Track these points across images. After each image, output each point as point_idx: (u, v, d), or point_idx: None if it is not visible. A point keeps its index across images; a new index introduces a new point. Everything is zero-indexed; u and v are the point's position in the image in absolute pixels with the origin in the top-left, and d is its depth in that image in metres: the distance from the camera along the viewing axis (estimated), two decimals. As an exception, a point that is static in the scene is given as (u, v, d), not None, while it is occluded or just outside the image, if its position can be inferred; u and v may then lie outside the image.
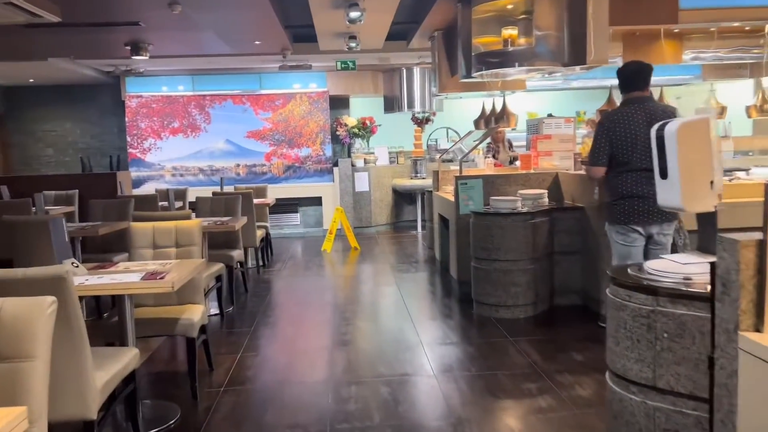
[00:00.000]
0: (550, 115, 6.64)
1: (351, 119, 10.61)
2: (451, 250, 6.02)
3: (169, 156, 10.45)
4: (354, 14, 5.98)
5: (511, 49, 5.03)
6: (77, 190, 8.01)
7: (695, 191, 2.02)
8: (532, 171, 5.81)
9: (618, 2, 4.86)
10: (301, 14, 6.79)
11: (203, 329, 3.75)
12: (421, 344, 4.40)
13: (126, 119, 10.37)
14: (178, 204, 7.39)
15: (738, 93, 9.28)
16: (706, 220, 2.12)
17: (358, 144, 10.70)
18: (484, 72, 5.39)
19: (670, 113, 3.58)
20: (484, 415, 3.28)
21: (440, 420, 3.21)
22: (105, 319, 4.77)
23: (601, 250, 4.69)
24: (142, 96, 10.36)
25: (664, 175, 2.09)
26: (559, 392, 3.46)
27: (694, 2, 5.15)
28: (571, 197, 5.40)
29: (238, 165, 10.54)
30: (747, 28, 6.00)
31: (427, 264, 7.36)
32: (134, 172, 10.27)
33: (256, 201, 6.92)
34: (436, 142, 10.50)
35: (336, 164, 10.48)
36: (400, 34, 8.05)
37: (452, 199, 5.75)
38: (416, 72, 10.07)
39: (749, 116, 8.12)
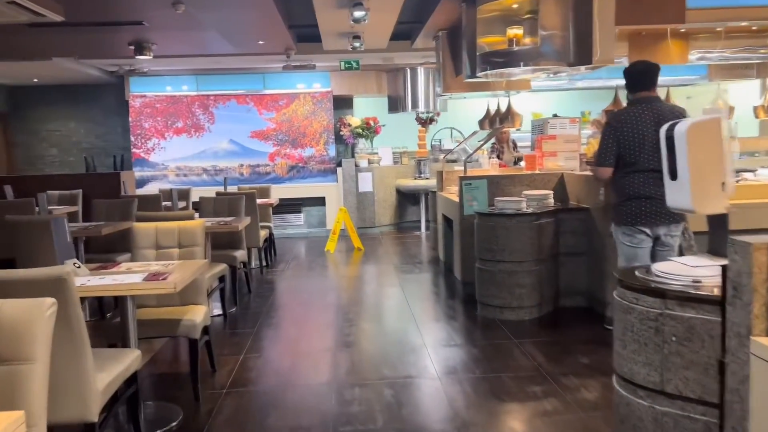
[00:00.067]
0: (555, 116, 6.60)
1: (355, 119, 10.59)
2: (455, 251, 5.99)
3: (173, 156, 10.45)
4: (358, 14, 5.96)
5: (516, 48, 4.99)
6: (81, 190, 8.01)
7: (706, 193, 1.98)
8: (537, 171, 5.77)
9: (624, 1, 4.82)
10: (304, 14, 6.77)
11: (206, 330, 3.73)
12: (424, 346, 4.37)
13: (130, 119, 10.37)
14: (182, 204, 7.37)
15: (746, 93, 9.22)
16: (717, 222, 2.08)
17: (362, 144, 10.68)
18: (488, 72, 5.35)
19: (678, 113, 3.54)
20: (488, 418, 3.24)
21: (444, 423, 3.18)
22: (107, 319, 4.75)
23: (606, 252, 4.65)
24: (146, 96, 10.36)
25: (673, 176, 2.06)
26: (565, 395, 3.42)
27: (701, 2, 5.11)
28: (577, 198, 5.36)
29: (242, 165, 10.53)
30: (754, 28, 5.95)
31: (430, 265, 7.32)
32: (138, 172, 10.27)
33: (259, 201, 6.90)
34: (440, 142, 10.47)
35: (339, 164, 10.46)
36: (404, 33, 8.02)
37: (456, 199, 5.72)
38: (420, 72, 10.05)
39: (757, 117, 8.06)
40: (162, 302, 3.68)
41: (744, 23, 5.66)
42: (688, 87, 9.21)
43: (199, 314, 3.56)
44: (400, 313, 5.38)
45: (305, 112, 10.50)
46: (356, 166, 10.26)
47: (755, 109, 8.08)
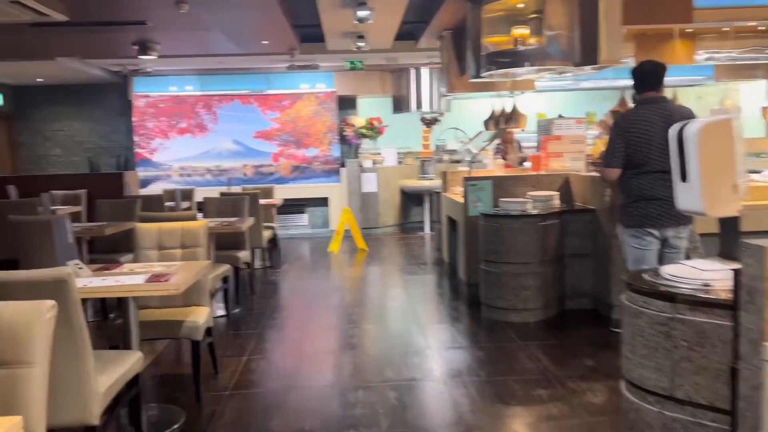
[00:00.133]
0: (560, 116, 6.56)
1: (359, 119, 10.55)
2: (460, 252, 5.95)
3: (177, 156, 10.44)
4: (362, 14, 5.93)
5: (521, 48, 4.95)
6: (85, 190, 8.00)
7: (718, 195, 1.94)
8: (542, 172, 5.73)
9: (631, 1, 4.77)
10: (308, 14, 6.74)
11: (209, 331, 3.70)
12: (429, 348, 4.34)
13: (133, 119, 10.36)
14: (185, 204, 7.35)
15: (753, 94, 9.15)
16: (728, 224, 2.04)
17: (366, 144, 10.64)
18: (493, 72, 5.31)
19: (687, 114, 3.49)
20: (493, 422, 3.21)
21: (449, 427, 3.14)
22: (110, 320, 4.73)
23: (612, 253, 4.61)
24: (149, 96, 10.34)
25: (684, 177, 2.01)
26: (571, 399, 3.38)
27: (709, 1, 5.06)
28: (582, 199, 5.32)
29: (246, 165, 10.51)
30: (761, 28, 5.90)
31: (435, 266, 7.29)
32: (142, 172, 10.26)
33: (263, 201, 6.88)
34: (445, 142, 10.42)
35: (343, 165, 10.43)
36: (408, 33, 7.98)
37: (461, 200, 5.68)
38: (425, 72, 10.00)
39: (765, 117, 7.99)
40: (164, 303, 3.65)
41: (751, 23, 5.60)
42: (698, 87, 9.15)
43: (202, 316, 3.53)
44: (404, 314, 5.35)
45: (309, 113, 10.47)
46: (360, 166, 10.23)
47: (763, 110, 8.01)
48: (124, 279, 2.96)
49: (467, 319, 5.09)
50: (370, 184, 10.19)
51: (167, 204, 6.94)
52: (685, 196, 2.06)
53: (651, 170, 3.50)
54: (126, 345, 3.01)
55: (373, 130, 10.44)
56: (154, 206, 6.47)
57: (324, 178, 10.55)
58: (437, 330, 4.84)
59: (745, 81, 8.66)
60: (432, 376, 3.82)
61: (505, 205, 5.10)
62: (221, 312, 5.23)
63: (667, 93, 3.84)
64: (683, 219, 3.48)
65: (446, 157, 8.85)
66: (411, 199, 10.52)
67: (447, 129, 10.42)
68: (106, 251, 5.69)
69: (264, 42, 7.69)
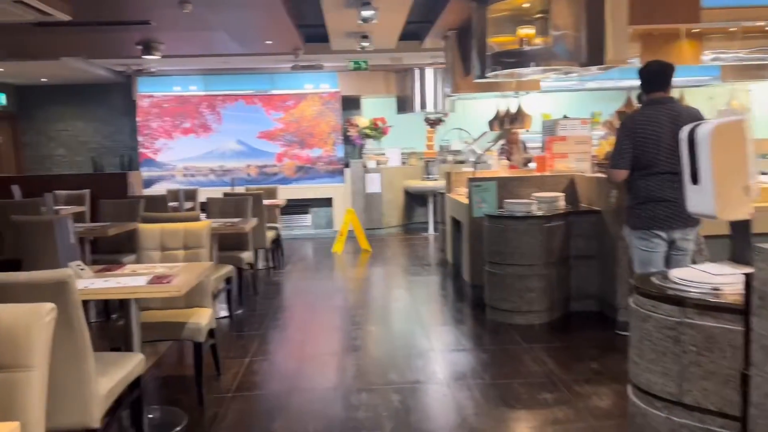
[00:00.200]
0: (565, 117, 6.51)
1: (363, 120, 10.53)
2: (464, 254, 5.92)
3: (181, 156, 10.43)
4: (367, 13, 5.90)
5: (527, 48, 4.92)
6: (88, 190, 7.99)
7: (729, 197, 1.90)
8: (547, 173, 5.69)
9: (638, 1, 4.73)
10: (313, 13, 6.72)
11: (211, 333, 3.68)
12: (433, 350, 4.30)
13: (137, 119, 10.36)
14: (189, 204, 7.34)
15: (760, 94, 9.08)
16: (739, 228, 2.00)
17: (370, 145, 10.61)
18: (498, 72, 5.28)
19: (695, 115, 3.46)
20: (498, 425, 3.18)
21: (453, 431, 3.11)
22: (112, 321, 4.72)
23: (618, 255, 4.57)
24: (153, 96, 10.34)
25: (695, 180, 1.98)
26: (576, 403, 3.35)
27: (717, 1, 5.01)
28: (588, 200, 5.28)
29: (249, 165, 10.50)
30: (768, 29, 5.84)
31: (439, 267, 7.25)
32: (145, 172, 10.26)
33: (266, 202, 6.85)
34: (449, 143, 10.38)
35: (347, 165, 10.40)
36: (413, 33, 7.96)
37: (465, 201, 5.65)
38: (429, 72, 9.97)
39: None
40: (167, 305, 3.62)
41: (759, 23, 5.55)
42: (708, 87, 9.07)
43: (204, 317, 3.51)
44: (408, 316, 5.32)
45: (313, 113, 10.45)
46: (364, 167, 10.20)
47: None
48: (126, 280, 2.93)
49: (471, 321, 5.05)
50: (373, 184, 10.16)
51: (171, 204, 6.92)
52: (696, 199, 2.03)
53: (659, 171, 3.46)
54: (128, 347, 2.99)
55: (377, 130, 10.42)
56: (157, 206, 6.46)
57: (328, 179, 10.52)
58: (441, 332, 4.80)
59: (752, 81, 8.59)
60: (436, 378, 3.79)
61: (509, 206, 5.06)
62: (224, 313, 5.22)
63: (674, 93, 3.80)
64: (691, 221, 3.44)
65: (450, 157, 8.82)
66: (415, 199, 10.49)
67: (451, 129, 10.40)
68: (109, 251, 5.67)
69: (268, 42, 7.68)
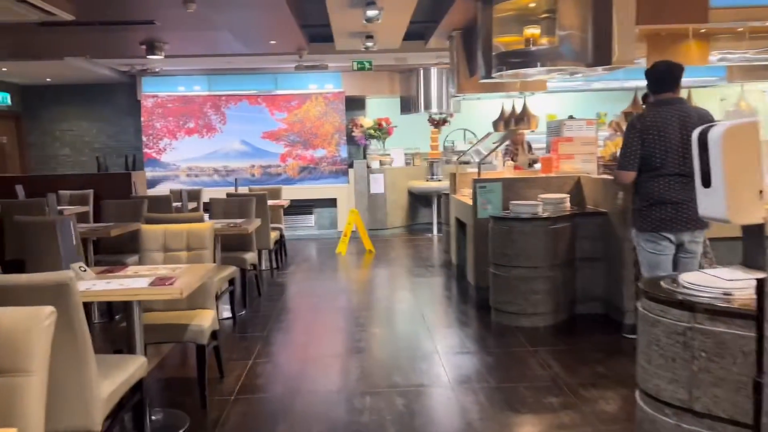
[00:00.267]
0: (571, 117, 6.47)
1: (367, 120, 10.50)
2: (469, 255, 5.88)
3: (185, 156, 10.42)
4: (371, 13, 5.87)
5: (533, 48, 4.88)
6: (92, 190, 7.99)
7: (742, 201, 1.86)
8: (553, 174, 5.65)
9: (645, 1, 4.68)
10: (317, 13, 6.69)
11: (214, 335, 3.65)
12: (437, 353, 4.27)
13: (142, 119, 10.35)
14: (192, 205, 7.32)
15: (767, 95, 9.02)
16: (752, 232, 1.96)
17: (374, 145, 10.59)
18: (504, 72, 5.24)
19: (704, 115, 3.41)
20: (503, 430, 3.14)
21: (458, 435, 3.08)
22: (115, 322, 4.70)
23: (624, 257, 4.53)
24: (158, 96, 10.33)
25: (706, 183, 1.94)
26: (583, 407, 3.31)
27: (725, 1, 4.95)
28: (594, 202, 5.23)
29: (253, 166, 10.48)
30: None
31: (443, 269, 7.22)
32: (150, 172, 10.25)
33: (270, 202, 6.83)
34: (453, 143, 10.35)
35: (351, 165, 10.37)
36: (417, 33, 7.92)
37: (470, 202, 5.61)
38: (433, 72, 9.93)
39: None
40: (169, 306, 3.60)
41: (767, 23, 5.49)
42: (718, 88, 9.00)
43: (207, 319, 3.48)
44: (412, 318, 5.29)
45: (317, 113, 10.43)
46: (368, 167, 10.17)
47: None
48: (128, 282, 2.91)
49: (476, 324, 5.01)
50: (377, 185, 10.13)
51: (174, 204, 6.91)
52: (708, 202, 1.98)
53: (667, 173, 3.41)
54: (130, 349, 2.97)
55: (381, 130, 10.39)
56: (161, 207, 6.44)
57: (332, 179, 10.50)
58: (445, 334, 4.77)
59: (758, 82, 8.53)
60: (440, 381, 3.76)
61: (515, 207, 5.02)
62: (227, 314, 5.19)
63: (682, 93, 3.75)
64: (700, 223, 3.39)
65: (455, 158, 8.78)
66: (419, 200, 10.46)
67: (455, 130, 10.37)
68: (112, 252, 5.66)
69: (272, 42, 7.65)
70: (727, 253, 3.82)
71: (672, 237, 3.47)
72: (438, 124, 10.25)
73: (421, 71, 9.94)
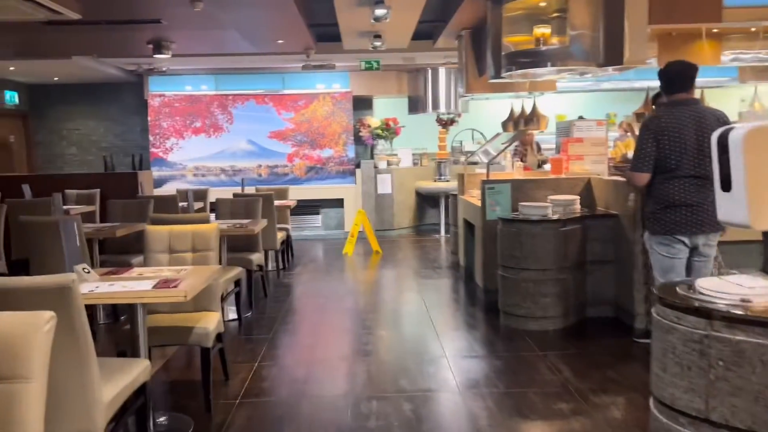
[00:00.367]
0: (580, 118, 6.40)
1: (374, 120, 10.45)
2: (477, 257, 5.82)
3: (191, 156, 10.40)
4: (379, 12, 5.82)
5: (543, 48, 4.82)
6: (99, 190, 7.97)
7: (764, 206, 1.80)
8: (562, 176, 5.58)
9: (657, 0, 4.61)
10: (325, 13, 6.65)
11: (219, 338, 3.61)
12: (445, 357, 4.21)
13: (149, 118, 10.34)
14: (199, 205, 7.29)
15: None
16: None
17: (381, 145, 10.54)
18: (513, 72, 5.18)
19: (720, 117, 3.34)
20: (512, 436, 3.08)
21: (466, 441, 3.02)
22: (120, 324, 4.67)
23: (635, 260, 4.46)
24: (164, 95, 10.32)
25: (726, 187, 1.87)
26: (594, 413, 3.25)
27: (739, 0, 4.88)
28: (605, 204, 5.16)
29: (260, 165, 10.45)
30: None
31: (450, 270, 7.16)
32: (156, 172, 10.24)
33: (277, 202, 6.79)
34: (461, 144, 10.28)
35: (358, 166, 10.32)
36: (426, 33, 7.87)
37: (478, 203, 5.55)
38: (442, 72, 9.88)
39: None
40: (174, 308, 3.56)
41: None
42: (732, 89, 8.87)
43: (212, 321, 3.44)
44: (419, 320, 5.23)
45: (324, 113, 10.39)
46: (375, 167, 10.12)
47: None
48: (132, 284, 2.87)
49: (484, 327, 4.95)
50: (385, 185, 10.07)
51: (181, 204, 6.88)
52: (727, 207, 1.92)
53: (683, 175, 3.34)
54: (134, 352, 2.93)
55: (389, 130, 10.33)
56: (167, 207, 6.42)
57: (339, 179, 10.45)
58: (453, 337, 4.71)
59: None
60: (448, 386, 3.70)
61: (524, 209, 4.96)
62: (233, 315, 5.15)
63: (695, 94, 3.68)
64: (715, 226, 3.32)
65: (463, 158, 8.72)
66: (426, 201, 10.40)
67: (464, 130, 10.30)
68: (117, 252, 5.63)
69: (279, 41, 7.62)
70: (736, 256, 3.75)
71: (687, 240, 3.39)
72: (446, 124, 10.19)
73: (430, 71, 9.88)
